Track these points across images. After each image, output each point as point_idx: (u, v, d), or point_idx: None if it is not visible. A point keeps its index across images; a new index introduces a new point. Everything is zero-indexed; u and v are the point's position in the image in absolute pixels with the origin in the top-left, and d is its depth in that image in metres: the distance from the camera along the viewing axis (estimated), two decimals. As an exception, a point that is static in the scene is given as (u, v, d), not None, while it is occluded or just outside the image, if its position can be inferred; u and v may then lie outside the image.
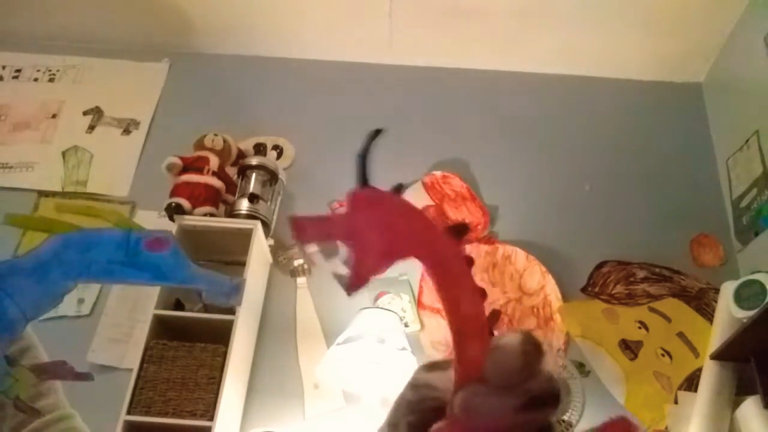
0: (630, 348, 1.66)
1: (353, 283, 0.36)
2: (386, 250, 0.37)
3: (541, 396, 0.31)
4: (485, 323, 0.35)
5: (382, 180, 0.39)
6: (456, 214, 1.88)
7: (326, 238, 0.39)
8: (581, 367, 1.64)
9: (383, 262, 0.37)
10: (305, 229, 0.39)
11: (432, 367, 0.40)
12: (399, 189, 0.39)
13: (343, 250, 0.38)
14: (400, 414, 0.39)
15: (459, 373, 0.34)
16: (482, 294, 0.36)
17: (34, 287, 0.48)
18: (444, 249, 0.36)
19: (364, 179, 0.40)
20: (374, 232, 0.37)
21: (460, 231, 0.37)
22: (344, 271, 0.38)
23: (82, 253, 0.49)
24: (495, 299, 1.75)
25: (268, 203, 1.79)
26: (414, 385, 0.40)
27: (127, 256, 0.50)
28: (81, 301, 1.76)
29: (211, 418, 1.40)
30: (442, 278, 0.36)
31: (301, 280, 1.78)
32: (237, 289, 0.53)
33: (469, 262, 0.37)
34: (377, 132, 0.42)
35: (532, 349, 0.31)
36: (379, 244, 0.37)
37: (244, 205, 1.72)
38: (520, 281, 1.77)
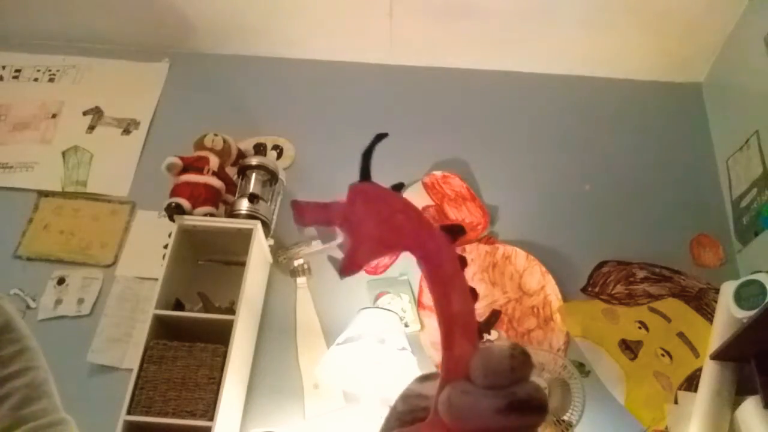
0: (630, 348, 1.66)
1: (346, 268, 0.38)
2: (381, 241, 0.38)
3: (526, 401, 0.31)
4: (475, 323, 0.35)
5: (381, 179, 0.40)
6: (456, 214, 1.87)
7: (324, 222, 0.41)
8: (581, 367, 1.64)
9: (377, 251, 0.38)
10: (305, 212, 0.41)
11: (426, 378, 0.41)
12: (399, 187, 0.41)
13: (341, 235, 0.40)
14: (390, 425, 0.40)
15: (445, 371, 0.34)
16: (474, 294, 0.36)
17: None
18: (438, 246, 0.37)
19: (366, 175, 0.42)
20: (371, 223, 0.39)
21: (456, 231, 0.38)
22: (340, 255, 0.39)
23: None
24: (495, 299, 1.75)
25: (268, 203, 1.79)
26: (405, 396, 0.40)
27: None
28: (81, 301, 1.76)
29: (211, 418, 1.40)
30: (434, 274, 0.37)
31: (301, 280, 1.78)
32: None
33: (463, 262, 0.37)
34: (382, 136, 0.45)
35: (521, 355, 0.31)
36: (374, 234, 0.38)
37: (244, 205, 1.72)
38: (520, 281, 1.77)
